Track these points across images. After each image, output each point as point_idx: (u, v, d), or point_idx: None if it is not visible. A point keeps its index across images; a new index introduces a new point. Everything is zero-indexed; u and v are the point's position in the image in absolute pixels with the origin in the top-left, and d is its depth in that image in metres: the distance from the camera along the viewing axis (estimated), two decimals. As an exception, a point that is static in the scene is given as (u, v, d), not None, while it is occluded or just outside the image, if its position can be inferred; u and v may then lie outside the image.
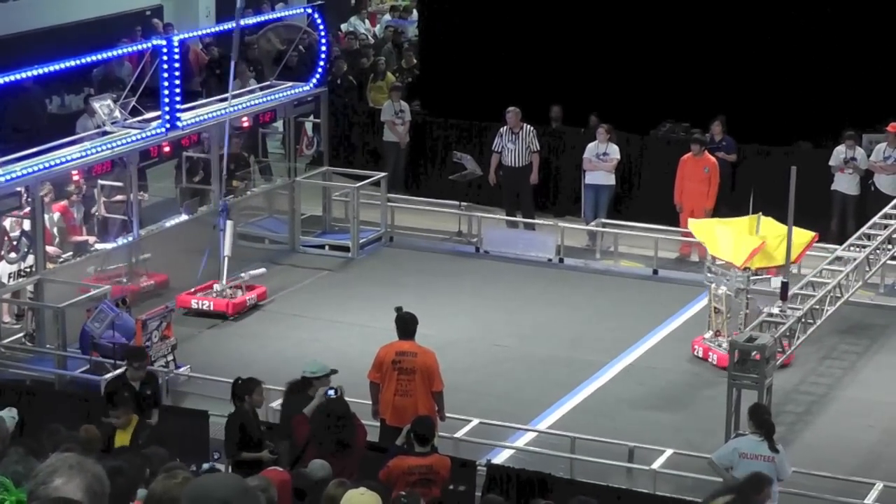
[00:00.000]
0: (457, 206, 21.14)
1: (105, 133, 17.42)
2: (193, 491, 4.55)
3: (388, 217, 20.68)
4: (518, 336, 17.16)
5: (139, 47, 19.72)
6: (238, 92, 20.92)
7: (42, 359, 15.81)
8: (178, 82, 17.77)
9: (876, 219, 16.86)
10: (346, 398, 11.93)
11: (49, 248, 16.66)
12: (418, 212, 21.23)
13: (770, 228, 15.95)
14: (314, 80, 20.43)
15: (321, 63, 20.68)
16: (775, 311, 13.96)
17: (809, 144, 21.07)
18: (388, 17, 31.71)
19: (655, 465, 13.14)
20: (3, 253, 16.22)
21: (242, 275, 17.88)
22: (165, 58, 17.65)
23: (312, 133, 22.00)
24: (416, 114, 23.37)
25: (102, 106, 17.81)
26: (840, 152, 19.93)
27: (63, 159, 16.49)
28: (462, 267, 19.69)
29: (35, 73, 16.67)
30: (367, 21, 31.37)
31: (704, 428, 14.26)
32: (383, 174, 20.92)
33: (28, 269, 16.23)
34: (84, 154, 16.72)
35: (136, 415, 12.12)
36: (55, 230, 17.15)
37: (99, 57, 18.54)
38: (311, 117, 21.22)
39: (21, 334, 16.58)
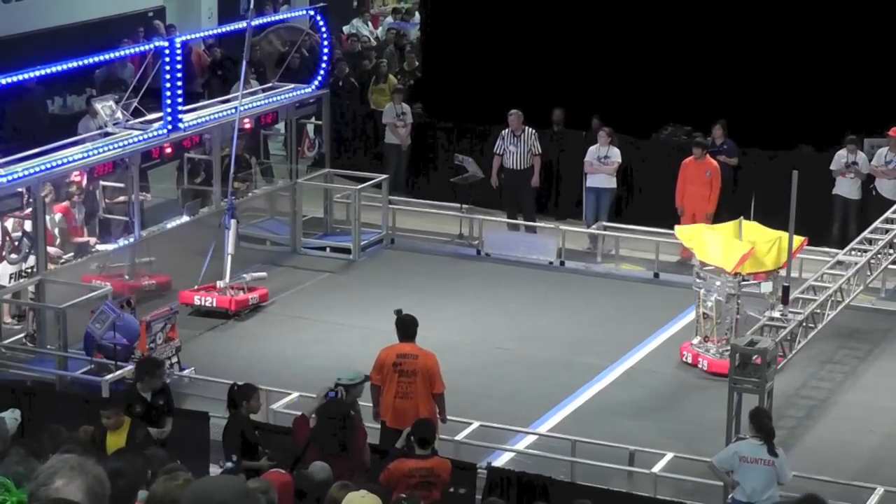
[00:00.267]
0: (458, 209, 21.15)
1: (107, 134, 17.42)
2: (195, 493, 4.55)
3: (389, 219, 20.68)
4: (519, 339, 17.16)
5: (141, 48, 19.73)
6: (244, 92, 20.95)
7: (43, 359, 15.80)
8: (180, 83, 17.78)
9: (877, 223, 16.86)
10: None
11: (50, 249, 16.65)
12: (419, 214, 21.24)
13: (755, 233, 15.95)
14: (316, 82, 20.44)
15: (323, 65, 20.68)
16: (776, 314, 13.95)
17: (811, 148, 21.07)
18: (390, 19, 31.75)
19: (656, 469, 13.12)
20: (4, 253, 16.22)
21: (244, 276, 17.88)
22: (167, 59, 17.66)
23: (314, 135, 22.00)
24: (418, 116, 23.38)
25: (104, 107, 17.81)
26: (841, 156, 19.94)
27: (65, 160, 16.49)
28: (463, 269, 19.70)
29: (37, 73, 16.67)
30: (369, 23, 31.42)
31: (705, 431, 14.24)
32: (385, 176, 20.92)
33: (29, 270, 16.23)
34: (86, 155, 16.73)
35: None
36: (56, 231, 17.15)
37: (101, 58, 18.53)
38: (313, 119, 21.21)
39: (22, 335, 16.58)
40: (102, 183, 17.77)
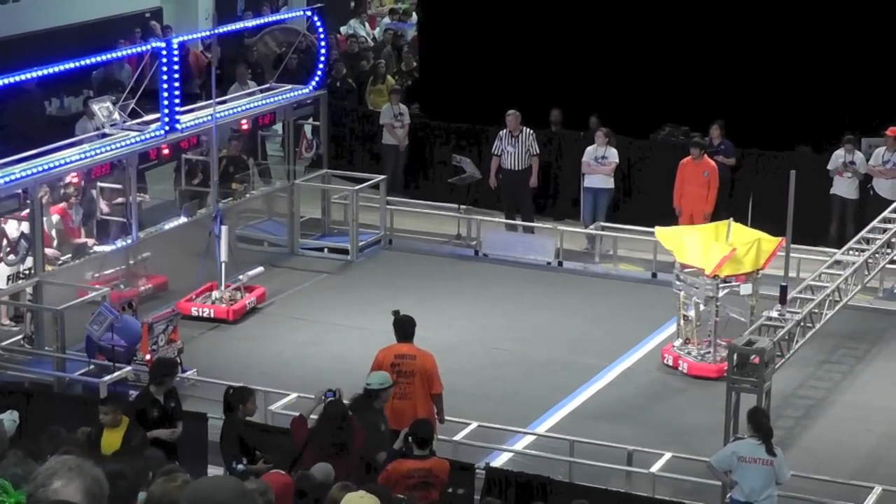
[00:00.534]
0: (456, 210, 21.15)
1: (104, 135, 17.41)
2: (193, 494, 4.54)
3: (387, 220, 20.67)
4: (517, 339, 17.16)
5: (139, 49, 19.72)
6: (234, 95, 20.96)
7: (41, 361, 15.79)
8: (177, 84, 17.77)
9: (875, 223, 16.85)
10: (345, 401, 11.92)
11: (48, 251, 16.64)
12: (417, 215, 21.23)
13: (739, 235, 15.96)
14: (313, 83, 20.44)
15: (320, 66, 20.68)
16: (774, 314, 13.95)
17: (808, 148, 21.07)
18: (387, 20, 31.75)
19: (654, 469, 13.13)
20: (2, 255, 16.21)
21: (240, 277, 17.87)
22: (165, 60, 17.65)
23: (312, 136, 22.00)
24: (416, 117, 23.37)
25: (102, 108, 17.80)
26: (839, 156, 19.94)
27: (62, 161, 16.48)
28: (461, 270, 19.70)
29: (34, 74, 16.66)
30: (366, 24, 31.40)
31: (703, 431, 14.24)
32: (382, 177, 20.92)
33: (27, 272, 16.22)
34: (83, 156, 16.72)
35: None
36: (54, 232, 17.14)
37: (98, 59, 18.52)
38: (311, 120, 21.21)
39: (20, 336, 16.57)
40: (100, 184, 17.76)
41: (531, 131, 20.88)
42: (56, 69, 16.69)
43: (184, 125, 18.07)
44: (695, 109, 21.27)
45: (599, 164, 20.55)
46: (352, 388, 12.65)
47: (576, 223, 20.91)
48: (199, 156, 19.15)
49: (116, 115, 17.69)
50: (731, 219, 16.49)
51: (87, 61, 17.74)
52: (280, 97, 20.09)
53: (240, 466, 11.10)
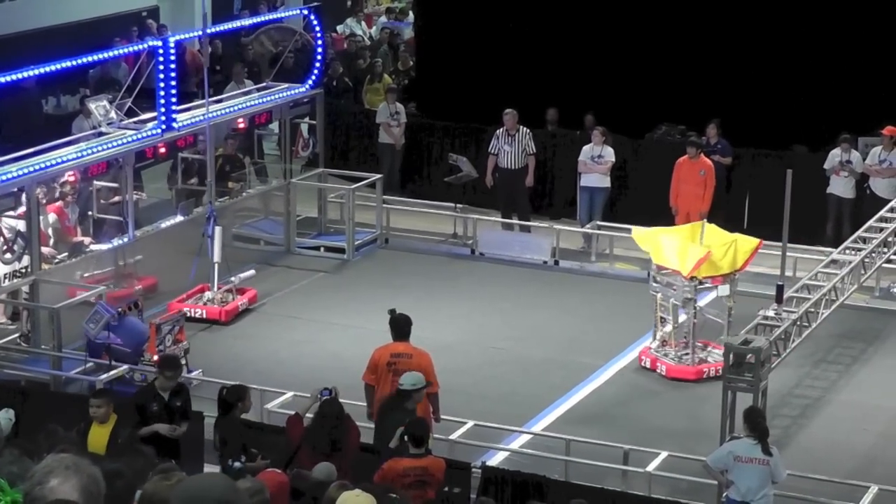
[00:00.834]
0: (452, 208, 21.15)
1: (101, 134, 17.40)
2: (184, 492, 4.53)
3: (383, 219, 20.67)
4: (513, 338, 17.16)
5: (135, 48, 19.71)
6: (231, 94, 20.95)
7: (37, 359, 15.79)
8: (174, 83, 17.76)
9: (871, 222, 16.85)
10: (341, 400, 11.92)
11: (44, 249, 16.63)
12: (414, 214, 21.23)
13: (714, 237, 15.95)
14: (310, 82, 20.43)
15: (317, 65, 20.66)
16: (770, 313, 13.96)
17: (805, 148, 21.08)
18: (384, 19, 31.76)
19: (650, 468, 13.14)
20: (-2, 254, 16.22)
21: (232, 279, 17.83)
22: (161, 59, 17.64)
23: (308, 135, 22.00)
24: (412, 116, 23.36)
25: (98, 107, 17.79)
26: (835, 155, 19.95)
27: (59, 160, 16.47)
28: (457, 269, 19.70)
29: (31, 73, 16.65)
30: (363, 23, 31.39)
31: (699, 431, 14.25)
32: (379, 176, 20.91)
33: (23, 270, 16.22)
34: (80, 155, 16.71)
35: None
36: (50, 231, 17.13)
37: (95, 58, 18.51)
38: (307, 119, 21.21)
39: (16, 335, 16.56)
40: (97, 183, 17.75)
41: (528, 130, 20.88)
42: (53, 68, 16.69)
43: (180, 124, 18.06)
44: (691, 108, 21.28)
45: (596, 163, 20.55)
46: (347, 387, 12.68)
47: (572, 222, 20.91)
48: (195, 154, 19.14)
49: (113, 114, 17.68)
50: (705, 220, 16.49)
51: (84, 60, 17.74)
52: (276, 96, 20.08)
53: (237, 464, 11.10)
